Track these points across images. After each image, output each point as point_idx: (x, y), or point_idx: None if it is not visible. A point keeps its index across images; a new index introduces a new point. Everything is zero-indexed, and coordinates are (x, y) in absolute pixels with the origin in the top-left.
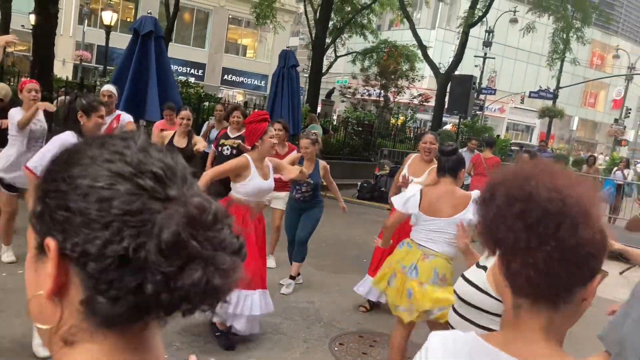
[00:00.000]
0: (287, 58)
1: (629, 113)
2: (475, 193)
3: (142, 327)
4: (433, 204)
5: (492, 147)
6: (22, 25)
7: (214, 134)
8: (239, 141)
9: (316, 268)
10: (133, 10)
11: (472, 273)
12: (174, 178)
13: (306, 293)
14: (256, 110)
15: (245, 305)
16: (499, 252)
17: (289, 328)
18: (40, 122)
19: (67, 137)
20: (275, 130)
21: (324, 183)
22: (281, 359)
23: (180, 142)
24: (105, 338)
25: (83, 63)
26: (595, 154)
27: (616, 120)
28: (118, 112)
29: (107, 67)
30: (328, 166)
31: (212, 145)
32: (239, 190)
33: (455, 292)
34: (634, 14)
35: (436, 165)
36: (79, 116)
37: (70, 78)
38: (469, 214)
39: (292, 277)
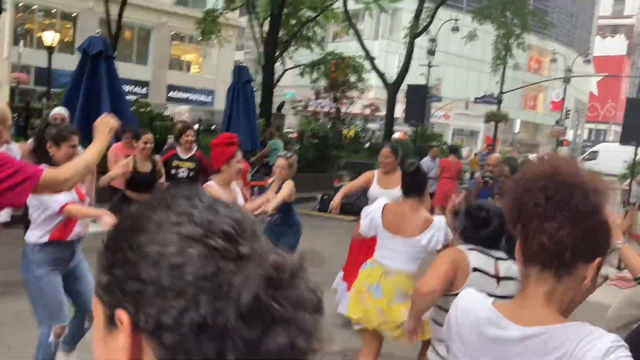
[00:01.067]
0: (240, 74)
1: (569, 114)
2: (438, 220)
3: None
4: (395, 221)
5: (456, 153)
6: None
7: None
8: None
9: None
10: (71, 30)
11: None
12: (244, 234)
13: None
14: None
15: None
16: (520, 223)
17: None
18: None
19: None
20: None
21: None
22: None
23: (144, 167)
24: None
25: (20, 85)
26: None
27: (557, 122)
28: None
29: (50, 89)
30: (290, 185)
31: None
32: None
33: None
34: (566, 19)
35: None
36: (48, 147)
37: (7, 101)
38: (425, 239)
39: None
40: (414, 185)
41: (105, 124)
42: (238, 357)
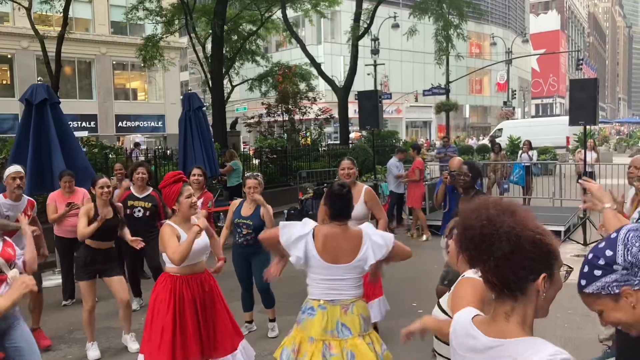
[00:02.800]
0: (191, 101)
1: (515, 94)
2: (365, 226)
3: None
4: (330, 248)
5: (419, 151)
6: None
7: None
8: None
9: (264, 312)
10: (8, 72)
11: (444, 300)
12: None
13: (264, 342)
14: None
15: None
16: (473, 265)
17: None
18: None
19: None
20: (195, 175)
21: None
22: None
23: (107, 213)
24: None
25: None
26: (496, 140)
27: (505, 103)
28: (27, 197)
29: None
30: (269, 207)
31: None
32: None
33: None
34: (499, 1)
35: (366, 188)
36: None
37: None
38: (369, 251)
39: (273, 320)
40: (345, 208)
41: (25, 285)
42: None
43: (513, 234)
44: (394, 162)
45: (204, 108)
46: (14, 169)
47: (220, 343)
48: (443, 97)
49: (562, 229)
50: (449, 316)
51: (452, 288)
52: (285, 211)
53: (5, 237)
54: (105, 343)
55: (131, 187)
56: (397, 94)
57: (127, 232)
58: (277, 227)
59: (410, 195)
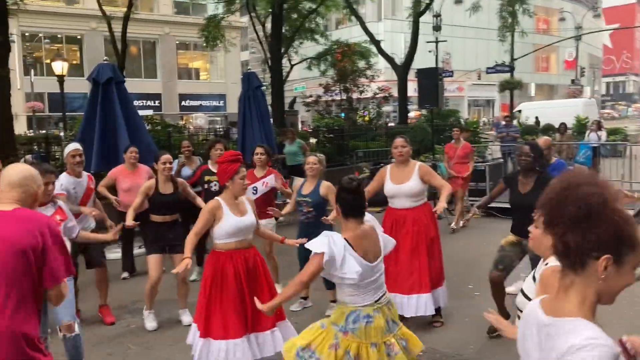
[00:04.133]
0: (250, 80)
1: (584, 72)
2: (370, 218)
3: None
4: (367, 248)
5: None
6: None
7: (186, 172)
8: None
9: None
10: (78, 53)
11: (528, 286)
12: None
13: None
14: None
15: (235, 355)
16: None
17: None
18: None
19: None
20: (258, 154)
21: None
22: None
23: (166, 188)
24: None
25: (36, 114)
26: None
27: (572, 81)
28: (87, 173)
29: (65, 114)
30: (333, 187)
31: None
32: (218, 234)
33: (516, 306)
34: None
35: (419, 164)
36: None
37: (28, 132)
38: (383, 238)
39: (333, 301)
40: (358, 205)
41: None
42: None
43: (588, 203)
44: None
45: (263, 87)
46: (73, 146)
47: (261, 319)
48: (507, 75)
49: (630, 212)
50: (527, 298)
51: (536, 277)
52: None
53: (60, 204)
54: (166, 314)
55: (208, 163)
56: (459, 72)
57: (201, 202)
58: (311, 264)
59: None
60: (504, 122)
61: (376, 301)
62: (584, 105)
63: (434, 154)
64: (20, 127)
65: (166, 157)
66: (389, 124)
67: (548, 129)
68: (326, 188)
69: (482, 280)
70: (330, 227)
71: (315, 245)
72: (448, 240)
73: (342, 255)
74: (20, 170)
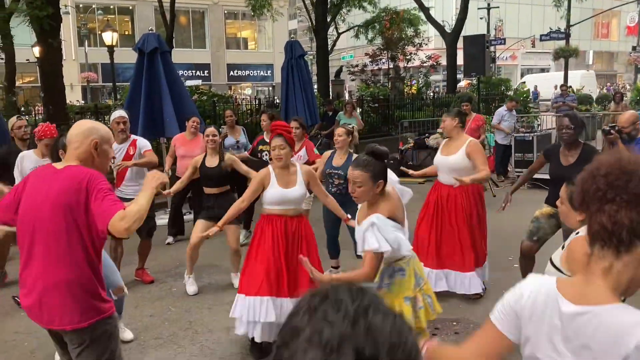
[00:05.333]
0: (293, 49)
1: None
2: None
3: None
4: (400, 210)
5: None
6: (27, 59)
7: (229, 141)
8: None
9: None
10: (129, 23)
11: (556, 255)
12: None
13: None
14: (266, 102)
15: (259, 313)
16: (584, 205)
17: None
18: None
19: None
20: (292, 128)
21: None
22: None
23: (212, 162)
24: None
25: (90, 84)
26: (620, 89)
27: (634, 48)
28: (134, 137)
29: (116, 85)
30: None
31: (247, 152)
32: (264, 200)
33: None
34: None
35: (471, 139)
36: (60, 154)
37: (81, 101)
38: (401, 190)
39: (335, 267)
40: (386, 169)
41: (155, 178)
42: None
43: None
44: (500, 111)
45: (307, 56)
46: (118, 113)
47: (300, 283)
48: (563, 43)
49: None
50: (562, 273)
51: (565, 244)
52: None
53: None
54: (207, 279)
55: (263, 134)
56: (512, 40)
57: (252, 172)
58: (375, 260)
59: None
60: (560, 92)
61: (407, 255)
62: (582, 77)
63: None
64: (74, 97)
65: (211, 130)
66: (436, 94)
67: (604, 98)
68: None
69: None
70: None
71: (372, 243)
72: (488, 212)
73: (395, 239)
74: (73, 128)
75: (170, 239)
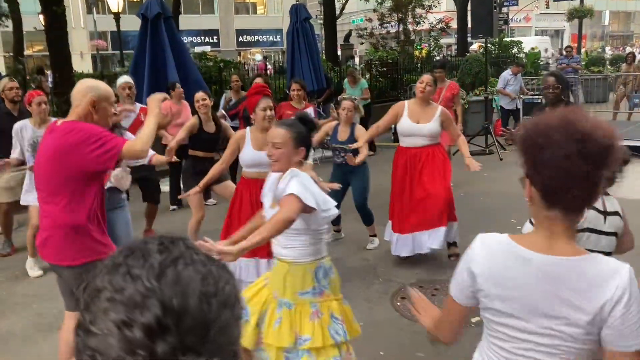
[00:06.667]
0: (298, 12)
1: None
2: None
3: None
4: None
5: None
6: (34, 27)
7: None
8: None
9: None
10: None
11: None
12: (172, 328)
13: (359, 251)
14: (273, 67)
15: (239, 274)
16: (536, 173)
17: (348, 290)
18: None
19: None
20: (294, 90)
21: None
22: None
23: (209, 127)
24: None
25: (100, 52)
26: (633, 50)
27: None
28: (140, 105)
29: (123, 53)
30: (365, 130)
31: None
32: (241, 162)
33: None
34: None
35: (441, 108)
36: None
37: (90, 70)
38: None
39: (374, 235)
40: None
41: (155, 100)
42: None
43: (599, 141)
44: (505, 75)
45: (317, 20)
46: (124, 79)
47: None
48: (577, 3)
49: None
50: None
51: None
52: (393, 126)
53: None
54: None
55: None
56: (526, 0)
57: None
58: (290, 203)
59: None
60: (564, 53)
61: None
62: (537, 42)
63: (487, 88)
64: (85, 66)
65: (198, 95)
66: (445, 57)
67: (617, 59)
68: (362, 132)
69: (524, 215)
70: (364, 168)
71: (295, 188)
72: (490, 173)
73: (321, 195)
74: (75, 87)
75: (174, 207)
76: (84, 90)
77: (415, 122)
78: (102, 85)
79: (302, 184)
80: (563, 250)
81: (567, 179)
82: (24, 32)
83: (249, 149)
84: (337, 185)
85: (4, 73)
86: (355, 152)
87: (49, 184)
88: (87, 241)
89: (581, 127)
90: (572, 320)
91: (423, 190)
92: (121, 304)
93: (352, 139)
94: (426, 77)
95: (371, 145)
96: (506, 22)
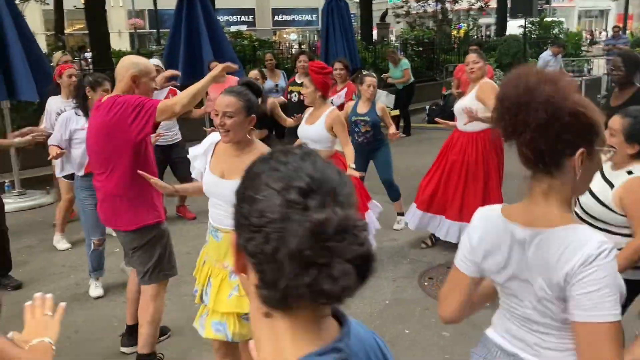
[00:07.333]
0: None
1: None
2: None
3: (311, 310)
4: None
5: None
6: (74, 6)
7: (269, 84)
8: None
9: (391, 203)
10: None
11: (597, 186)
12: (318, 191)
13: (387, 231)
14: (309, 48)
15: None
16: (508, 140)
17: (377, 269)
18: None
19: (67, 117)
20: (336, 70)
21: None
22: (373, 301)
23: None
24: (290, 314)
25: (137, 31)
26: None
27: None
28: (170, 87)
29: (160, 31)
30: (386, 109)
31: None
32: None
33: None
34: None
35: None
36: (87, 91)
37: (128, 48)
38: None
39: (401, 214)
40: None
41: (219, 67)
42: (287, 284)
43: (550, 104)
44: (544, 56)
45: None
46: (152, 61)
47: None
48: None
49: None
50: (613, 211)
51: (614, 183)
52: (427, 107)
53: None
54: None
55: (296, 75)
56: None
57: (291, 123)
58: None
59: None
60: (612, 33)
61: None
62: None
63: None
64: (123, 44)
65: (252, 73)
66: (483, 37)
67: None
68: (382, 109)
69: None
70: (386, 142)
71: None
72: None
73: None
74: (119, 63)
75: None
76: (126, 66)
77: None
78: (142, 61)
79: None
80: (541, 220)
81: (521, 125)
82: (65, 11)
83: (302, 124)
84: (358, 174)
85: (45, 51)
86: (376, 127)
87: (99, 158)
88: (138, 208)
89: (529, 80)
90: (540, 285)
91: (457, 180)
92: (279, 178)
93: (373, 112)
94: (470, 57)
95: (406, 129)
96: (547, 1)
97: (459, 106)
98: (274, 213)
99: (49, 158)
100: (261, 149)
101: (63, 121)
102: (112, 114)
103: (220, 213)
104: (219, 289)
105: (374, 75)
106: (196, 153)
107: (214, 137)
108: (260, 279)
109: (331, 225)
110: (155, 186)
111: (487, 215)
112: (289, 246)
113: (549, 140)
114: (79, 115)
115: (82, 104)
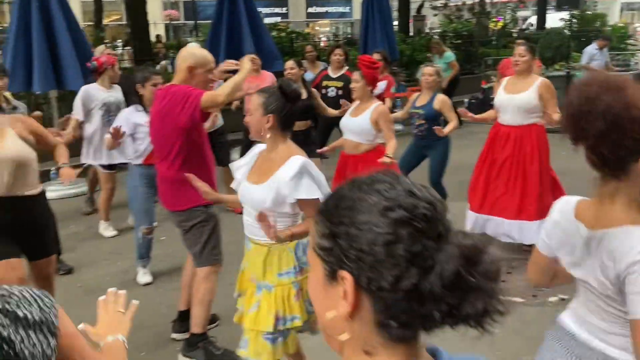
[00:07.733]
0: None
1: None
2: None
3: (415, 343)
4: None
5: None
6: None
7: (308, 76)
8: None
9: None
10: None
11: None
12: (438, 215)
13: None
14: (342, 40)
15: None
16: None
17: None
18: (115, 95)
19: (128, 113)
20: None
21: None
22: None
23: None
24: (394, 349)
25: (172, 22)
26: None
27: None
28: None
29: (197, 22)
30: (449, 101)
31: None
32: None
33: None
34: None
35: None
36: (138, 87)
37: (164, 40)
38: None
39: None
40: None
41: (249, 58)
42: (442, 317)
43: (610, 113)
44: (589, 49)
45: None
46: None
47: None
48: None
49: None
50: None
51: None
52: (466, 100)
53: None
54: None
55: (328, 68)
56: None
57: (332, 112)
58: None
59: None
60: None
61: None
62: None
63: (568, 62)
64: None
65: (289, 63)
66: (524, 30)
67: None
68: (441, 102)
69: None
70: (445, 140)
71: (314, 191)
72: (569, 152)
73: (325, 184)
74: (179, 53)
75: None
76: (183, 57)
77: (511, 93)
78: (199, 52)
79: (316, 182)
80: (605, 220)
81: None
82: (102, 2)
83: (346, 116)
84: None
85: None
86: (431, 120)
87: (156, 144)
88: (189, 190)
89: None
90: (602, 280)
91: (507, 175)
92: (380, 201)
93: (430, 105)
94: (519, 49)
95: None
96: None
97: (514, 101)
98: (411, 246)
99: (106, 147)
100: (286, 150)
101: (124, 118)
102: (165, 103)
103: (249, 221)
104: (247, 302)
105: (435, 65)
106: (240, 164)
107: (258, 147)
108: (393, 316)
109: (478, 250)
110: (199, 190)
111: (562, 209)
112: (443, 276)
113: (610, 147)
114: (139, 111)
115: (139, 101)
